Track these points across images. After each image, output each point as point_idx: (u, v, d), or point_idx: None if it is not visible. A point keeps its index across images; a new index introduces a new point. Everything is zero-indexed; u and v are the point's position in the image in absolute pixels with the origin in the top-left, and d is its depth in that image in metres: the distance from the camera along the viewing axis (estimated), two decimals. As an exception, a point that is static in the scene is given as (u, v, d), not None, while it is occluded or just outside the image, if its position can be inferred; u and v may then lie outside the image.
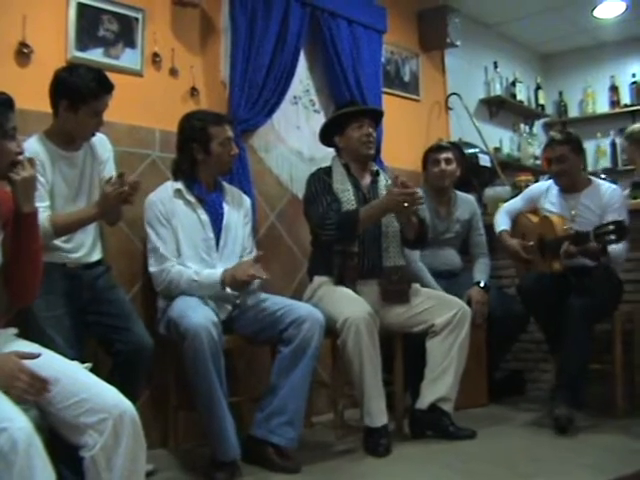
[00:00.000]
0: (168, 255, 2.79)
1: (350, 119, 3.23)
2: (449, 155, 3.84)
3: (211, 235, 2.88)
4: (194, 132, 2.89)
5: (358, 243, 3.10)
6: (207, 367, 2.48)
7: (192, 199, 2.88)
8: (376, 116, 3.37)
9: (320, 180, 3.19)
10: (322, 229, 3.06)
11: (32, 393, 1.63)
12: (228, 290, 2.78)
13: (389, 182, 3.27)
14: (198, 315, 2.55)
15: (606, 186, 3.43)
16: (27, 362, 1.66)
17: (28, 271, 1.93)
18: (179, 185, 2.90)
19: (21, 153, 1.86)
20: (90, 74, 2.47)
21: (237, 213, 3.00)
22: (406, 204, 2.91)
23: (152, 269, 2.82)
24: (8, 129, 1.80)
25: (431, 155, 3.88)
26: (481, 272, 3.79)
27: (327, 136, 3.35)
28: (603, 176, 4.54)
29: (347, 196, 3.14)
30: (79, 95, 2.44)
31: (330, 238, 3.05)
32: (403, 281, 3.17)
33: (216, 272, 2.76)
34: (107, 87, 2.51)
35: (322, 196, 3.12)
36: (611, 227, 2.96)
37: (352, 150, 3.23)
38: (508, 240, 3.60)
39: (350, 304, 2.94)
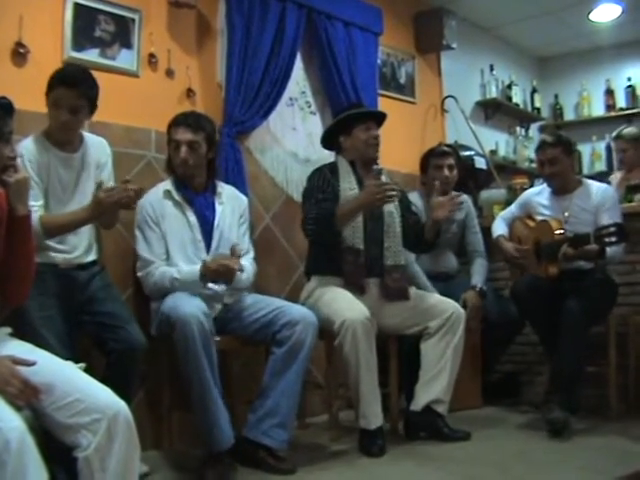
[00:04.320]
0: (152, 258, 2.79)
1: (356, 120, 3.23)
2: (452, 161, 3.83)
3: (199, 237, 2.87)
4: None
5: (362, 241, 3.08)
6: (198, 355, 2.47)
7: (180, 200, 2.87)
8: (379, 119, 3.35)
9: (321, 176, 3.17)
10: (303, 224, 3.06)
11: (22, 399, 1.62)
12: (210, 285, 2.76)
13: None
14: (188, 305, 2.55)
15: (596, 186, 3.42)
16: (21, 368, 1.65)
17: (20, 272, 1.92)
18: (169, 186, 2.90)
19: (14, 158, 1.85)
20: (66, 69, 2.48)
21: (232, 214, 2.99)
22: (378, 196, 2.86)
23: (139, 274, 2.84)
24: (4, 133, 1.79)
25: (433, 160, 3.85)
26: (478, 274, 3.79)
27: (329, 136, 3.35)
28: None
29: (353, 195, 3.09)
30: (47, 88, 2.45)
31: (309, 233, 3.05)
32: (404, 279, 3.18)
33: (195, 267, 2.75)
34: (63, 79, 2.43)
35: (315, 193, 3.11)
36: (612, 229, 2.93)
37: (358, 151, 3.22)
38: (504, 244, 3.60)
39: (348, 306, 2.93)
